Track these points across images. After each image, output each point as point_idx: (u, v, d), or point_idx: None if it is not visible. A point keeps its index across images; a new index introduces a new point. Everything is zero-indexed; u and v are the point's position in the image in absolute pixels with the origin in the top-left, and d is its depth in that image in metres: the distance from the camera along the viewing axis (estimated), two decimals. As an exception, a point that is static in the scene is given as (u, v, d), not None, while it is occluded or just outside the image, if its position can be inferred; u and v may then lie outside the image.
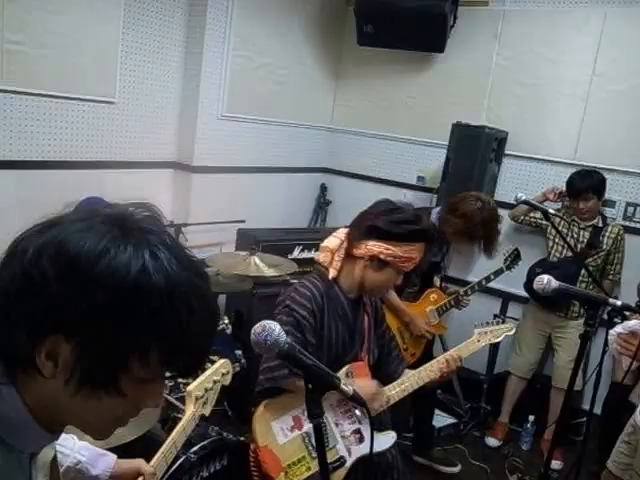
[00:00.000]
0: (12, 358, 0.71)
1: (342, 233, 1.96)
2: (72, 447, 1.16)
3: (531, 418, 3.69)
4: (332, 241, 1.95)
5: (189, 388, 1.33)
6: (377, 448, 1.93)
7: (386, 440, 2.00)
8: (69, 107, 3.16)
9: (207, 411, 1.38)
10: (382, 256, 1.84)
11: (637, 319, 2.18)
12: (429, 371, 2.09)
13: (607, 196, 3.75)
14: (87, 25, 3.12)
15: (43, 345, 0.68)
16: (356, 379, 1.91)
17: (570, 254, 3.53)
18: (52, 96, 3.07)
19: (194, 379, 1.38)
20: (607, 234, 3.53)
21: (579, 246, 3.53)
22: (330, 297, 1.91)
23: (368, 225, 1.87)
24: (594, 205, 3.49)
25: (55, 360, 0.69)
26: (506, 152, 4.14)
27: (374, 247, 1.84)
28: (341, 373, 1.91)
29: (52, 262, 0.67)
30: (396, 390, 2.03)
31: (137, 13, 3.37)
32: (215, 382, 1.38)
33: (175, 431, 1.28)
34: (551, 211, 2.86)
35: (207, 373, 1.37)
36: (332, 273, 1.92)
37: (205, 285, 0.75)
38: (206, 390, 1.35)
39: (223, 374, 1.41)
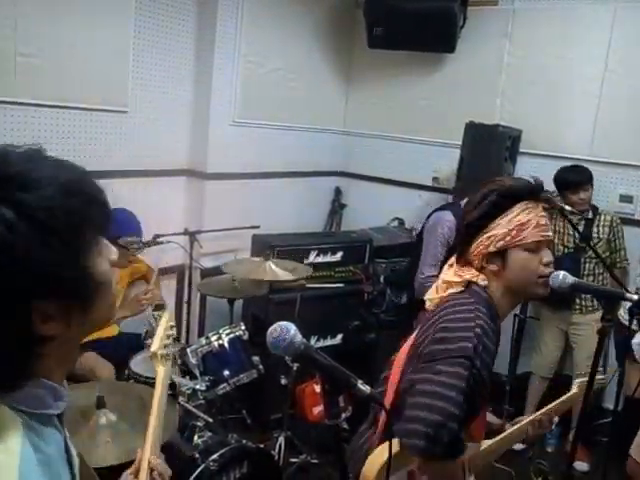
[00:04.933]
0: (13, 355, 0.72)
1: (452, 259, 1.63)
2: None
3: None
4: (449, 273, 1.59)
5: (153, 349, 1.34)
6: None
7: None
8: (82, 117, 3.19)
9: (170, 365, 1.39)
10: (492, 248, 1.49)
11: None
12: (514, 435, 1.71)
13: (625, 191, 3.73)
14: (98, 36, 3.15)
15: (35, 317, 0.71)
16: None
17: (568, 250, 3.54)
18: (65, 107, 3.09)
19: (152, 339, 1.40)
20: (600, 223, 3.53)
21: (574, 241, 3.52)
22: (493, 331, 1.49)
23: (460, 234, 1.58)
24: (591, 195, 3.52)
25: (51, 318, 0.72)
26: (520, 150, 4.10)
27: (479, 246, 1.51)
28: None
29: None
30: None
31: (147, 22, 3.40)
32: (169, 337, 1.40)
33: (157, 397, 1.29)
34: (567, 208, 2.84)
35: (160, 330, 1.38)
36: (492, 289, 1.53)
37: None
38: (165, 346, 1.37)
39: (172, 326, 1.42)
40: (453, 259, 1.60)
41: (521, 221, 1.47)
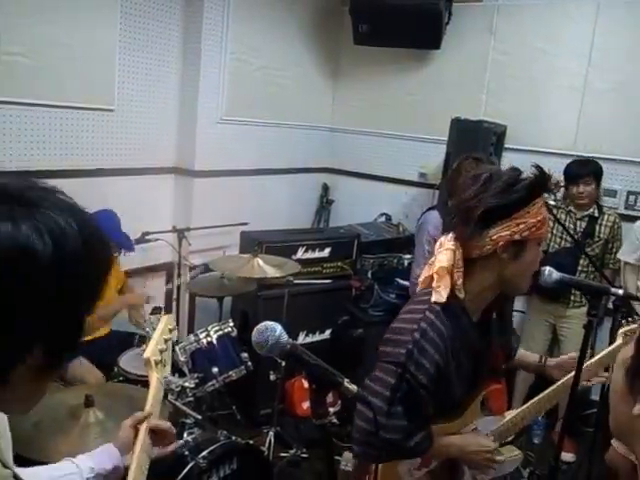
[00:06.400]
0: None
1: (449, 242, 1.50)
2: (77, 471, 1.17)
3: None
4: (445, 257, 1.48)
5: (146, 355, 1.28)
6: (501, 472, 1.68)
7: (509, 464, 1.70)
8: (68, 116, 3.17)
9: (167, 370, 1.34)
10: (517, 236, 1.41)
11: None
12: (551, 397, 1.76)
13: (608, 185, 3.77)
14: (84, 34, 3.13)
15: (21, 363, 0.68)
16: (490, 408, 1.63)
17: (567, 245, 3.55)
18: (51, 106, 3.08)
19: (146, 345, 1.36)
20: (603, 223, 3.54)
21: (576, 237, 3.54)
22: (454, 329, 1.46)
23: (480, 213, 1.42)
24: (593, 191, 3.49)
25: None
26: (505, 146, 4.14)
27: (503, 232, 1.41)
28: (476, 402, 1.60)
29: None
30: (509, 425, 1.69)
31: (133, 20, 3.38)
32: (166, 341, 1.35)
33: (149, 404, 1.24)
34: (551, 202, 2.86)
35: (156, 334, 1.33)
36: (461, 294, 1.47)
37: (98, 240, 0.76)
38: (161, 352, 1.31)
39: (170, 330, 1.38)
40: (452, 243, 1.48)
41: (543, 215, 1.44)
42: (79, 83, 3.17)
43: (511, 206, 1.41)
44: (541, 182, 1.46)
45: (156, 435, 1.22)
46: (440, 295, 1.46)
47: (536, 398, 1.77)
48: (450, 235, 1.49)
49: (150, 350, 1.28)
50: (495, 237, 1.42)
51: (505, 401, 1.69)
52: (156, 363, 1.28)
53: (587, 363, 1.79)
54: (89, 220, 0.73)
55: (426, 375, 1.40)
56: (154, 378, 1.26)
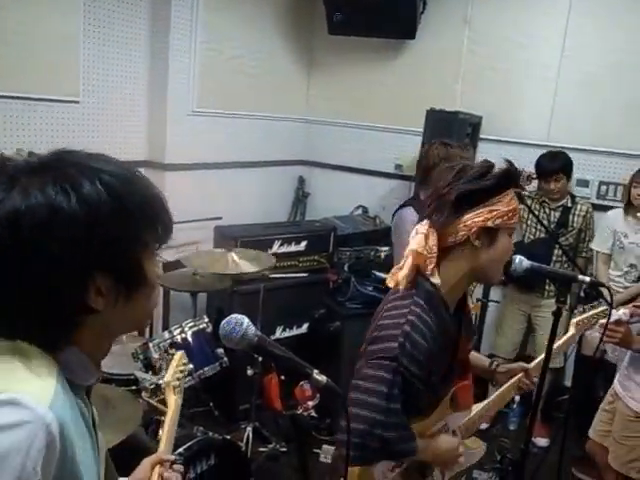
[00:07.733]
0: (63, 317, 0.82)
1: (423, 227, 1.49)
2: None
3: (517, 398, 3.70)
4: (417, 241, 1.47)
5: (166, 379, 1.48)
6: (467, 464, 1.69)
7: (473, 456, 1.74)
8: (30, 108, 3.07)
9: (180, 399, 1.51)
10: (490, 223, 1.43)
11: (623, 309, 2.23)
12: (506, 392, 1.86)
13: (581, 176, 3.82)
14: (45, 21, 3.02)
15: (91, 288, 0.81)
16: (457, 409, 1.61)
17: (542, 235, 3.59)
18: (12, 97, 2.97)
19: (166, 371, 1.56)
20: (577, 212, 3.59)
21: (550, 227, 3.58)
22: (438, 323, 1.46)
23: (453, 199, 1.44)
24: (564, 186, 3.54)
25: (101, 293, 0.82)
26: (481, 136, 4.15)
27: (476, 217, 1.43)
28: (446, 399, 1.57)
29: (41, 226, 0.77)
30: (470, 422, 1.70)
31: (99, 6, 3.28)
32: (182, 372, 1.54)
33: (167, 424, 1.38)
34: (525, 193, 2.88)
35: (173, 364, 1.53)
36: (436, 280, 1.47)
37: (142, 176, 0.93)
38: (178, 379, 1.50)
39: (184, 363, 1.57)
40: (425, 228, 1.48)
41: (514, 206, 1.47)
42: (41, 73, 3.06)
43: (483, 192, 1.44)
44: (511, 174, 1.48)
45: None
46: (394, 280, 1.49)
47: (499, 391, 1.83)
48: (425, 221, 1.50)
49: (170, 376, 1.48)
50: (469, 223, 1.43)
51: (472, 397, 1.68)
52: (174, 388, 1.46)
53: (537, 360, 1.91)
54: (118, 175, 0.85)
55: (419, 367, 1.39)
56: (173, 400, 1.43)
